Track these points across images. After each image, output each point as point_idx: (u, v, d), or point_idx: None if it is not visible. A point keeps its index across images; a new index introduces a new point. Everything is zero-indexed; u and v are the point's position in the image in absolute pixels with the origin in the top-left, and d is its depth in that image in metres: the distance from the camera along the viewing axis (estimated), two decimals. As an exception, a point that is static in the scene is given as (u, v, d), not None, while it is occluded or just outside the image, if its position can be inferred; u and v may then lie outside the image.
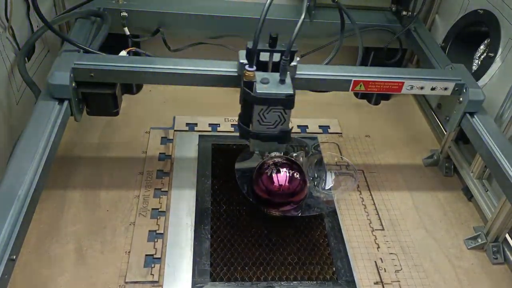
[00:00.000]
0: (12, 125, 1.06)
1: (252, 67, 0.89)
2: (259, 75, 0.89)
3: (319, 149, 1.33)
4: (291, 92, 0.86)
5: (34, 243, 1.01)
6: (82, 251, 1.00)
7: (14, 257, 0.71)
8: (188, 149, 1.28)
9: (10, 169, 0.81)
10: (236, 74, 0.97)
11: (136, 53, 1.15)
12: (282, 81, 0.88)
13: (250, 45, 0.88)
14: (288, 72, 0.89)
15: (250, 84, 0.88)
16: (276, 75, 0.89)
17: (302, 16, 0.83)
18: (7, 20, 1.03)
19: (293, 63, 0.93)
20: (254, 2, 1.35)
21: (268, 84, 0.87)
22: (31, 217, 0.78)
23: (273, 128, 0.91)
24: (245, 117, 0.93)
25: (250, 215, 1.11)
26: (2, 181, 0.79)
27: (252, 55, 0.88)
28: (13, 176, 0.80)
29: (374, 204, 1.20)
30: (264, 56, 0.91)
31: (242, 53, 0.94)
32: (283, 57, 0.87)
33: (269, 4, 0.83)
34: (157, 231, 1.06)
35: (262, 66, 0.91)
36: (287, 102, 0.87)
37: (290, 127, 0.92)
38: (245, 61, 0.92)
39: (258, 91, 0.86)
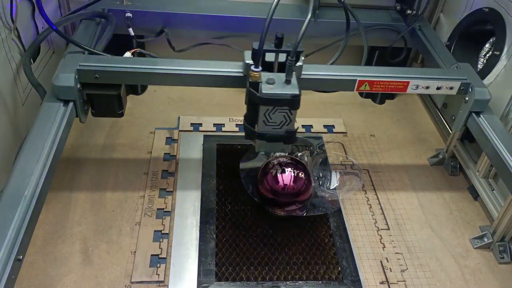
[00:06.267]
0: (18, 126, 1.07)
1: (257, 67, 0.88)
2: (265, 75, 0.88)
3: (324, 148, 1.32)
4: (297, 92, 0.86)
5: (41, 243, 1.01)
6: (88, 251, 1.01)
7: (21, 257, 0.72)
8: (193, 149, 1.28)
9: (16, 170, 0.81)
10: (241, 74, 0.97)
11: (140, 54, 1.16)
12: (288, 82, 0.88)
13: (255, 45, 0.88)
14: (294, 73, 0.89)
15: (255, 85, 0.87)
16: (282, 76, 0.88)
17: (309, 16, 0.82)
18: (13, 21, 1.04)
19: (298, 63, 0.93)
20: (259, 2, 1.35)
21: (274, 85, 0.87)
22: (37, 218, 0.79)
23: (278, 128, 0.90)
24: (250, 118, 0.93)
25: (255, 215, 1.11)
26: (8, 182, 0.79)
27: (257, 55, 0.88)
28: (19, 177, 0.80)
29: (380, 203, 1.19)
30: (269, 57, 0.90)
31: (248, 54, 0.94)
32: (289, 57, 0.86)
33: (275, 4, 0.82)
34: (163, 231, 1.06)
35: (268, 67, 0.91)
36: (293, 103, 0.86)
37: (295, 127, 0.92)
38: (250, 62, 0.91)
39: (263, 92, 0.85)
